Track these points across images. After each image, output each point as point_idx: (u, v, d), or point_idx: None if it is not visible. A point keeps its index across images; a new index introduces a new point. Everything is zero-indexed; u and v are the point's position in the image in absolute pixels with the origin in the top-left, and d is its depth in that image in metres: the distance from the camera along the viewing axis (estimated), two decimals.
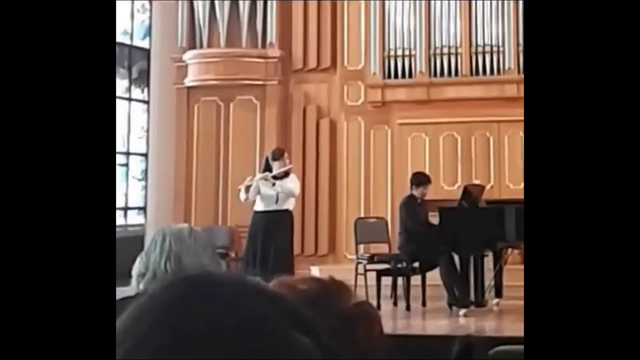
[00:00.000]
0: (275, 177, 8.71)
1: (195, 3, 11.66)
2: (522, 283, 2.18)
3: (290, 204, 8.71)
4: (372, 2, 11.10)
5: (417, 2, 10.98)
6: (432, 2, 10.98)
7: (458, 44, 10.84)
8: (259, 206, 8.69)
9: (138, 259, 2.43)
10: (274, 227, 8.53)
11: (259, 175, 8.74)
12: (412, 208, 8.79)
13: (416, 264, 8.74)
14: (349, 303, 1.14)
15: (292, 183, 8.73)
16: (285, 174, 8.75)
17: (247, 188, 8.72)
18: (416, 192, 8.85)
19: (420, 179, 8.96)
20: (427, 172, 9.67)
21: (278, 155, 8.84)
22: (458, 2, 10.91)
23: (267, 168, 8.80)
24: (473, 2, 10.90)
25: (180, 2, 11.69)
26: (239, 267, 10.22)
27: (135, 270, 2.46)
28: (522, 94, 10.90)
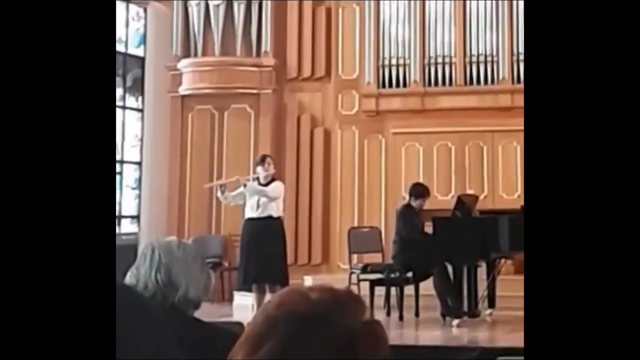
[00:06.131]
0: (259, 184, 8.71)
1: (190, 11, 11.66)
2: (515, 293, 2.18)
3: (273, 211, 8.62)
4: (366, 11, 11.12)
5: (412, 11, 11.01)
6: (427, 12, 11.00)
7: (452, 54, 10.86)
8: (247, 213, 8.70)
9: (129, 273, 2.45)
10: (261, 235, 8.49)
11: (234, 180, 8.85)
12: (409, 217, 8.77)
13: (409, 274, 8.73)
14: (360, 320, 1.09)
15: (271, 187, 8.67)
16: (271, 180, 8.73)
17: (221, 187, 8.86)
18: (414, 204, 8.83)
19: (420, 192, 8.92)
20: (420, 181, 9.66)
21: (259, 161, 8.86)
22: (452, 12, 10.94)
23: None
24: (467, 12, 10.92)
25: (175, 10, 11.68)
26: (233, 277, 10.21)
27: (127, 283, 2.48)
28: (516, 103, 10.92)
